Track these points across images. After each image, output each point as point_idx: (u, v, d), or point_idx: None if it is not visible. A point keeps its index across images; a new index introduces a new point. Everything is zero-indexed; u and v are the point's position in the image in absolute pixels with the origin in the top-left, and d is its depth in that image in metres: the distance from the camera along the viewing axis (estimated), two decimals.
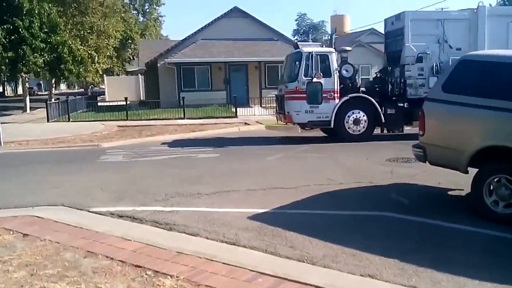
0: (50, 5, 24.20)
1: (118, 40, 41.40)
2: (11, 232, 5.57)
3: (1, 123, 15.97)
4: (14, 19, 21.16)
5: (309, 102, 13.24)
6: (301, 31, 77.01)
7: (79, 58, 25.72)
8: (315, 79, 13.10)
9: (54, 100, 25.98)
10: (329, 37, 15.89)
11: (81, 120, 22.79)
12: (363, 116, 13.40)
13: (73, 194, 7.51)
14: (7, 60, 21.28)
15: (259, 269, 4.27)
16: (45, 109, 22.75)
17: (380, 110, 13.38)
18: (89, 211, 6.49)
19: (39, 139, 15.82)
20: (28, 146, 14.51)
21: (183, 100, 22.70)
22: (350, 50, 14.73)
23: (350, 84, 13.75)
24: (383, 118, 13.38)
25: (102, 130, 18.46)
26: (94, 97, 39.06)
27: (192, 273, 4.24)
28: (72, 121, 22.31)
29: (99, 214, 6.36)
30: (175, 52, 29.05)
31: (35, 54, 22.21)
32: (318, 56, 13.31)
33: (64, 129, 18.56)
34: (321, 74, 13.14)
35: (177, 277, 4.16)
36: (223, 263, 4.45)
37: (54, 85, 38.75)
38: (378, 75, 15.24)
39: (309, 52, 13.26)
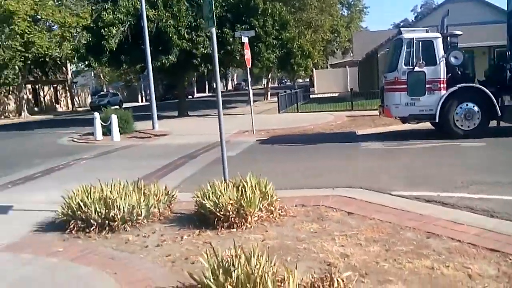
0: (280, 4, 25.88)
1: (328, 34, 42.42)
2: (334, 210, 6.01)
3: (233, 114, 17.64)
4: (250, 19, 23.10)
5: (410, 94, 11.81)
6: None
7: (307, 52, 27.09)
8: (417, 68, 11.60)
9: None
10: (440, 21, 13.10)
11: (307, 111, 23.93)
12: (475, 108, 11.62)
13: (362, 178, 7.81)
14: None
15: None
16: (277, 100, 24.63)
17: (495, 101, 11.38)
18: (392, 194, 6.67)
19: (282, 128, 17.04)
20: (275, 134, 15.71)
21: None
22: (461, 34, 12.68)
23: (460, 73, 11.91)
24: (499, 111, 11.39)
25: (334, 120, 19.06)
26: (307, 90, 40.66)
27: None
28: (300, 112, 23.61)
29: (404, 197, 6.48)
30: None
31: (268, 51, 23.97)
32: (420, 42, 11.74)
33: (299, 119, 19.72)
34: (424, 62, 11.58)
35: None
36: None
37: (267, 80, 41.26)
38: (495, 62, 12.75)
39: (410, 39, 11.78)
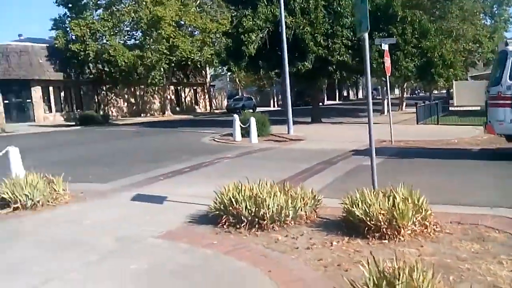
0: (420, 12, 24.78)
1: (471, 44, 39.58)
2: (497, 231, 5.51)
3: (367, 123, 17.09)
4: (389, 26, 22.42)
5: None
6: None
7: (449, 62, 25.60)
8: None
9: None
10: None
11: (448, 123, 22.55)
12: None
13: None
14: (382, 66, 22.78)
15: None
16: (415, 111, 23.59)
17: None
18: None
19: (423, 139, 16.23)
20: (416, 145, 15.00)
21: None
22: None
23: None
24: None
25: (480, 134, 17.68)
26: (444, 101, 38.40)
27: None
28: (440, 124, 22.33)
29: None
30: None
31: (407, 59, 23.07)
32: None
33: (440, 131, 18.65)
34: None
35: None
36: None
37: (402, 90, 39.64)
38: None
39: None
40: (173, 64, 38.88)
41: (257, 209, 5.82)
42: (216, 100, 59.66)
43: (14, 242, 5.61)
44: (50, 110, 36.91)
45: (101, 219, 6.59)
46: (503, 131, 11.47)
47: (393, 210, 5.40)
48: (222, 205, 6.03)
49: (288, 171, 10.05)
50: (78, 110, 37.52)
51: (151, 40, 35.70)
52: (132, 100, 44.93)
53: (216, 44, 36.77)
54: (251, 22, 21.39)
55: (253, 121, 16.94)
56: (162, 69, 37.49)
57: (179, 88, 50.88)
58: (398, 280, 3.48)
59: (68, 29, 35.44)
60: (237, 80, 58.66)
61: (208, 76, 53.79)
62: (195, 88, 54.11)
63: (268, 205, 5.82)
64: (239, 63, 22.82)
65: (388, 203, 5.55)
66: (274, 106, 61.40)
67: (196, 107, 54.17)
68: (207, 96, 55.19)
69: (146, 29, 34.88)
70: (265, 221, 5.79)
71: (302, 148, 15.03)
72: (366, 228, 5.41)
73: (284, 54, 17.28)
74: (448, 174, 9.65)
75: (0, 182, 7.54)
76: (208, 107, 54.74)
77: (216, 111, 53.79)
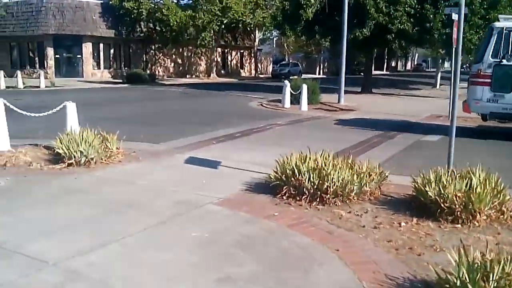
0: None
1: None
2: None
3: (418, 96, 16.25)
4: None
5: (494, 89, 10.59)
6: None
7: None
8: (504, 62, 10.32)
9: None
10: None
11: None
12: None
13: None
14: (444, 37, 21.63)
15: None
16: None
17: None
18: None
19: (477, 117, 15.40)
20: (480, 123, 14.21)
21: None
22: None
23: None
24: None
25: None
26: None
27: None
28: None
29: None
30: None
31: (471, 31, 21.82)
32: None
33: None
34: (510, 56, 10.24)
35: None
36: None
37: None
38: None
39: (501, 28, 10.50)
40: (223, 26, 38.43)
41: (320, 182, 5.52)
42: (262, 65, 58.98)
43: (69, 200, 5.53)
44: (98, 66, 37.32)
45: (156, 180, 6.45)
46: (478, 110, 11.26)
47: (470, 193, 5.00)
48: (283, 175, 5.75)
49: (343, 143, 9.66)
50: (126, 68, 37.80)
51: (205, 0, 35.28)
52: (179, 61, 44.90)
53: (268, 7, 35.97)
54: None
55: (304, 88, 16.48)
56: (212, 30, 37.09)
57: (226, 50, 50.46)
58: (493, 275, 3.14)
59: None
60: (285, 45, 57.67)
61: (257, 40, 53.04)
62: (241, 51, 53.54)
63: (333, 178, 5.51)
64: (295, 27, 22.16)
65: (464, 185, 5.15)
66: (320, 74, 60.28)
67: (241, 70, 53.74)
68: (253, 60, 54.58)
69: None
70: (328, 195, 5.49)
71: (355, 118, 14.52)
72: (439, 210, 5.04)
73: (344, 18, 16.57)
74: None
75: (56, 136, 7.52)
76: (253, 72, 54.23)
77: (261, 75, 53.24)
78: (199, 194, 5.75)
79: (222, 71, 48.86)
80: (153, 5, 34.72)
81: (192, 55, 44.80)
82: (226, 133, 10.71)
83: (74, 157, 7.04)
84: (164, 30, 35.64)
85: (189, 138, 9.96)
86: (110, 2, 34.86)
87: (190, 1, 37.37)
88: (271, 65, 59.99)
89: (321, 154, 6.07)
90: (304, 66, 58.24)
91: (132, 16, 34.85)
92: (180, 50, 43.58)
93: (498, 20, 11.40)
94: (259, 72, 54.24)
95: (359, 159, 6.52)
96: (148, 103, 18.13)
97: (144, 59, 40.63)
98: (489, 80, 10.78)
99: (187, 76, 44.56)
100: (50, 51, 34.65)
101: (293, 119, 13.70)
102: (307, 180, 5.57)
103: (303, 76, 43.73)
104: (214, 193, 5.80)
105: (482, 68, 10.81)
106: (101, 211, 5.08)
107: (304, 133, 11.40)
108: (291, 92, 17.06)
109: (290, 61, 56.23)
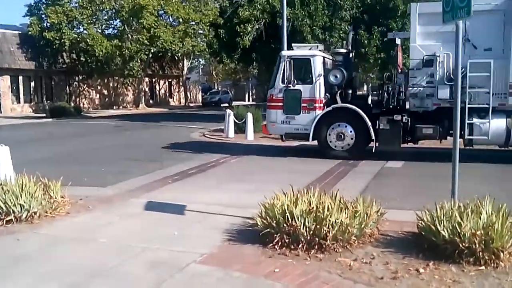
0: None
1: None
2: None
3: None
4: (389, 21, 21.67)
5: (286, 112, 11.60)
6: None
7: None
8: (291, 87, 11.36)
9: None
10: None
11: None
12: (349, 130, 11.27)
13: None
14: (379, 62, 22.04)
15: None
16: None
17: (369, 124, 10.95)
18: None
19: None
20: None
21: None
22: (345, 53, 12.41)
23: (340, 93, 11.54)
24: (372, 134, 10.97)
25: None
26: None
27: None
28: None
29: None
30: None
31: (404, 55, 22.38)
32: (298, 60, 11.60)
33: None
34: (297, 81, 11.41)
35: None
36: None
37: None
38: (379, 83, 12.40)
39: (288, 56, 11.57)
40: (151, 55, 37.36)
41: (318, 226, 4.81)
42: (191, 93, 58.09)
43: (15, 273, 4.42)
44: (18, 100, 34.78)
45: (117, 235, 5.45)
46: (275, 131, 12.22)
47: (489, 229, 4.49)
48: (273, 221, 4.98)
49: (308, 175, 9.06)
50: (48, 101, 35.53)
51: (132, 29, 34.07)
52: (105, 92, 43.01)
53: (197, 36, 35.40)
54: (247, 12, 20.21)
55: (250, 116, 15.87)
56: (139, 60, 35.88)
57: (154, 80, 49.10)
58: None
59: (43, 16, 33.29)
60: (213, 73, 57.27)
61: (185, 68, 52.20)
62: (169, 80, 52.39)
63: (332, 222, 4.82)
64: (232, 55, 21.67)
65: (480, 221, 4.64)
66: (249, 100, 60.33)
67: (170, 100, 52.52)
68: (182, 89, 53.58)
69: (127, 18, 33.06)
70: (327, 242, 4.78)
71: (306, 147, 14.03)
72: (456, 251, 4.48)
73: (284, 46, 16.14)
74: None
75: None
76: (182, 100, 53.18)
77: (191, 104, 52.34)
78: (177, 251, 4.85)
79: (151, 101, 47.44)
80: (76, 35, 32.98)
81: (119, 86, 43.12)
82: (179, 170, 9.77)
83: (13, 212, 5.87)
84: (89, 60, 33.89)
85: (139, 179, 8.94)
86: (29, 33, 32.70)
87: (116, 31, 35.98)
88: (200, 93, 59.27)
89: (312, 193, 5.37)
90: (233, 94, 58.07)
91: (54, 47, 32.88)
92: (106, 80, 41.83)
93: (292, 49, 12.43)
94: (189, 101, 53.30)
95: (362, 196, 5.83)
96: (81, 139, 16.70)
97: (68, 91, 38.50)
98: (281, 104, 11.63)
99: (114, 107, 42.78)
100: None
101: (243, 150, 12.96)
102: (302, 225, 4.84)
103: (234, 103, 43.39)
104: (193, 247, 4.93)
105: (274, 93, 11.69)
106: (63, 286, 4.04)
107: (261, 166, 10.72)
108: (235, 121, 16.38)
109: (219, 88, 55.82)
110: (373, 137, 11.01)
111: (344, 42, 21.01)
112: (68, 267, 4.47)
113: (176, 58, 46.52)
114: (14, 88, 34.29)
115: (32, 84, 35.69)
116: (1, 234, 5.53)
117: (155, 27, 32.78)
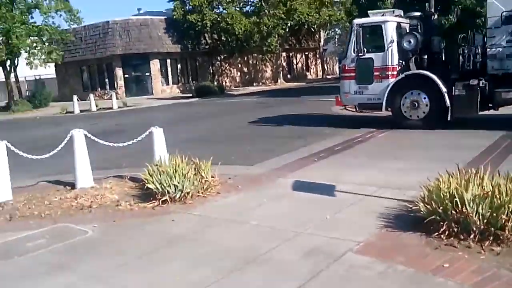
0: None
1: None
2: None
3: None
4: None
5: (358, 82, 11.47)
6: None
7: None
8: (364, 55, 11.21)
9: None
10: None
11: None
12: (423, 98, 10.73)
13: None
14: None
15: None
16: None
17: (444, 90, 10.28)
18: None
19: None
20: None
21: None
22: (420, 16, 11.74)
23: (415, 59, 11.13)
24: (447, 101, 10.25)
25: None
26: None
27: None
28: None
29: None
30: None
31: None
32: (369, 27, 11.45)
33: None
34: (369, 49, 11.26)
35: None
36: None
37: None
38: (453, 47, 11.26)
39: (359, 24, 11.40)
40: (287, 29, 37.29)
41: (494, 214, 4.16)
42: (328, 65, 57.16)
43: (171, 255, 4.50)
44: (167, 82, 37.19)
45: (268, 217, 5.32)
46: (348, 102, 12.28)
47: None
48: (440, 207, 4.42)
49: (468, 151, 8.13)
50: (194, 82, 37.46)
51: (268, 4, 34.26)
52: (245, 70, 44.10)
53: (333, 4, 34.47)
54: None
55: None
56: (277, 35, 36.03)
57: (291, 54, 49.13)
58: None
59: None
60: None
61: (322, 40, 51.41)
62: (306, 53, 51.95)
63: (511, 209, 4.13)
64: None
65: None
66: None
67: (307, 73, 52.22)
68: (319, 61, 52.90)
69: None
70: (506, 232, 4.12)
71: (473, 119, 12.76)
72: None
73: (431, 6, 14.73)
74: None
75: (143, 167, 6.62)
76: (320, 73, 52.54)
77: (328, 76, 51.50)
78: (330, 237, 4.55)
79: (288, 76, 47.63)
80: (216, 16, 34.13)
81: (258, 62, 43.94)
82: (323, 147, 9.45)
83: (168, 192, 6.07)
84: (229, 39, 34.92)
85: (284, 157, 8.81)
86: (174, 17, 34.62)
87: (254, 8, 36.50)
88: (337, 64, 58.02)
89: (482, 174, 4.68)
90: None
91: (196, 28, 34.42)
92: (246, 58, 42.85)
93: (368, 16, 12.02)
94: (326, 73, 52.55)
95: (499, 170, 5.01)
96: (226, 118, 17.20)
97: (211, 70, 40.22)
98: (353, 74, 11.53)
99: (254, 84, 43.72)
100: (119, 72, 34.91)
101: (391, 124, 12.17)
102: (474, 212, 4.22)
103: None
104: (347, 234, 4.59)
105: (347, 63, 11.64)
106: (216, 271, 3.98)
107: (413, 141, 9.91)
108: None
109: None
110: (448, 104, 10.37)
111: None
112: (221, 251, 4.43)
113: (313, 30, 45.87)
114: (163, 71, 36.69)
115: (179, 66, 37.85)
116: (158, 214, 5.74)
117: (291, 0, 32.55)
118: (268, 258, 4.18)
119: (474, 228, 4.22)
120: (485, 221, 4.20)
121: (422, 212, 4.56)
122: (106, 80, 35.59)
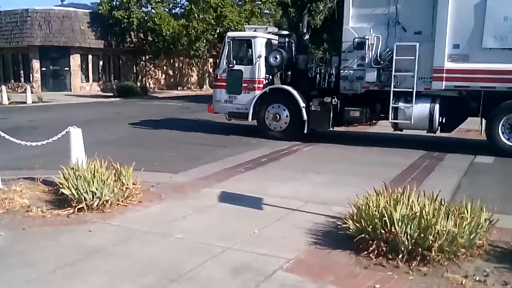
0: None
1: None
2: None
3: None
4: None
5: (228, 92, 12.20)
6: None
7: None
8: (234, 67, 11.94)
9: None
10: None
11: None
12: (284, 111, 11.61)
13: None
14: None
15: None
16: None
17: (302, 105, 11.25)
18: None
19: None
20: None
21: None
22: (288, 35, 12.80)
23: (280, 74, 11.86)
24: (305, 115, 11.25)
25: None
26: None
27: None
28: None
29: None
30: None
31: None
32: (240, 41, 12.28)
33: None
34: (239, 62, 12.08)
35: None
36: None
37: None
38: (315, 65, 12.59)
39: (232, 37, 12.11)
40: (216, 36, 37.12)
41: (422, 235, 4.19)
42: None
43: (86, 270, 4.11)
44: (87, 79, 35.58)
45: (194, 230, 5.05)
46: (219, 110, 12.65)
47: None
48: (369, 226, 4.40)
49: (392, 168, 8.37)
50: (116, 81, 36.18)
51: (198, 8, 33.85)
52: (170, 72, 43.30)
53: (263, 15, 34.77)
54: None
55: None
56: (205, 40, 35.69)
57: (217, 61, 49.05)
58: None
59: None
60: None
61: None
62: None
63: (438, 230, 4.19)
64: None
65: None
66: None
67: None
68: None
69: None
70: (432, 253, 4.16)
71: (395, 136, 13.21)
72: None
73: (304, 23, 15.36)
74: None
75: (58, 170, 6.13)
76: None
77: None
78: (259, 253, 4.39)
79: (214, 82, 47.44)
80: (144, 14, 33.22)
81: (184, 66, 43.35)
82: (250, 158, 9.32)
83: (85, 199, 5.62)
84: (156, 40, 34.09)
85: (211, 165, 8.58)
86: (99, 11, 33.26)
87: (183, 10, 35.94)
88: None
89: (413, 195, 4.73)
90: None
91: (122, 25, 33.27)
92: (172, 61, 42.12)
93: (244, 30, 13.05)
94: None
95: (422, 189, 5.15)
96: (148, 121, 16.64)
97: (135, 70, 39.06)
98: (224, 84, 12.19)
99: (179, 88, 43.06)
100: (36, 64, 32.91)
101: (316, 138, 12.32)
102: (403, 233, 4.24)
103: None
104: (277, 250, 4.45)
105: (219, 73, 12.34)
106: None
107: (338, 156, 10.05)
108: None
109: None
110: (305, 118, 11.16)
111: None
112: (143, 266, 4.11)
113: None
114: (84, 67, 35.09)
115: (101, 63, 36.39)
116: (73, 222, 5.29)
117: (222, 6, 32.42)
118: (194, 276, 3.93)
119: (403, 248, 4.23)
120: (413, 241, 4.22)
121: (351, 230, 4.52)
122: (21, 72, 33.37)
